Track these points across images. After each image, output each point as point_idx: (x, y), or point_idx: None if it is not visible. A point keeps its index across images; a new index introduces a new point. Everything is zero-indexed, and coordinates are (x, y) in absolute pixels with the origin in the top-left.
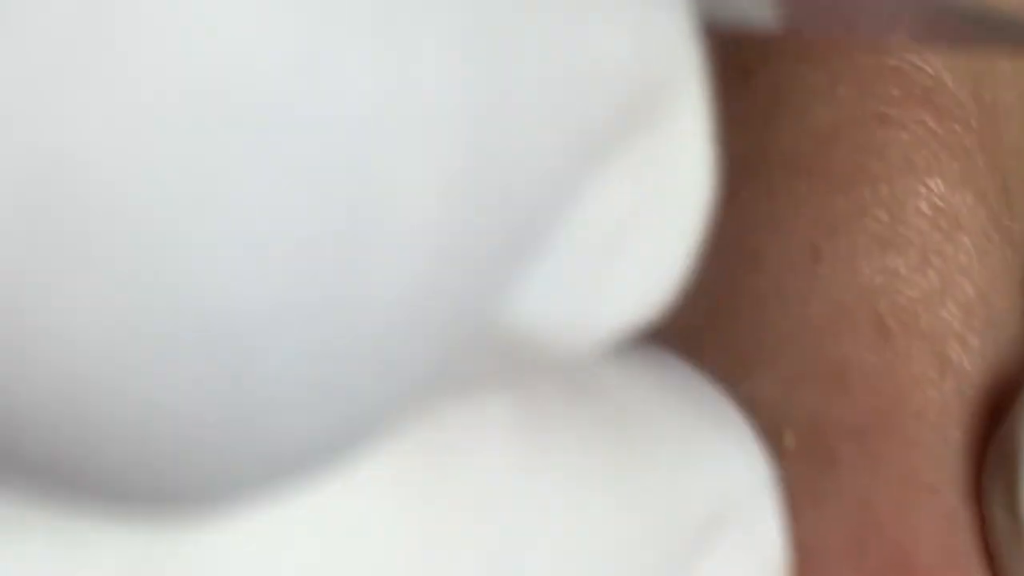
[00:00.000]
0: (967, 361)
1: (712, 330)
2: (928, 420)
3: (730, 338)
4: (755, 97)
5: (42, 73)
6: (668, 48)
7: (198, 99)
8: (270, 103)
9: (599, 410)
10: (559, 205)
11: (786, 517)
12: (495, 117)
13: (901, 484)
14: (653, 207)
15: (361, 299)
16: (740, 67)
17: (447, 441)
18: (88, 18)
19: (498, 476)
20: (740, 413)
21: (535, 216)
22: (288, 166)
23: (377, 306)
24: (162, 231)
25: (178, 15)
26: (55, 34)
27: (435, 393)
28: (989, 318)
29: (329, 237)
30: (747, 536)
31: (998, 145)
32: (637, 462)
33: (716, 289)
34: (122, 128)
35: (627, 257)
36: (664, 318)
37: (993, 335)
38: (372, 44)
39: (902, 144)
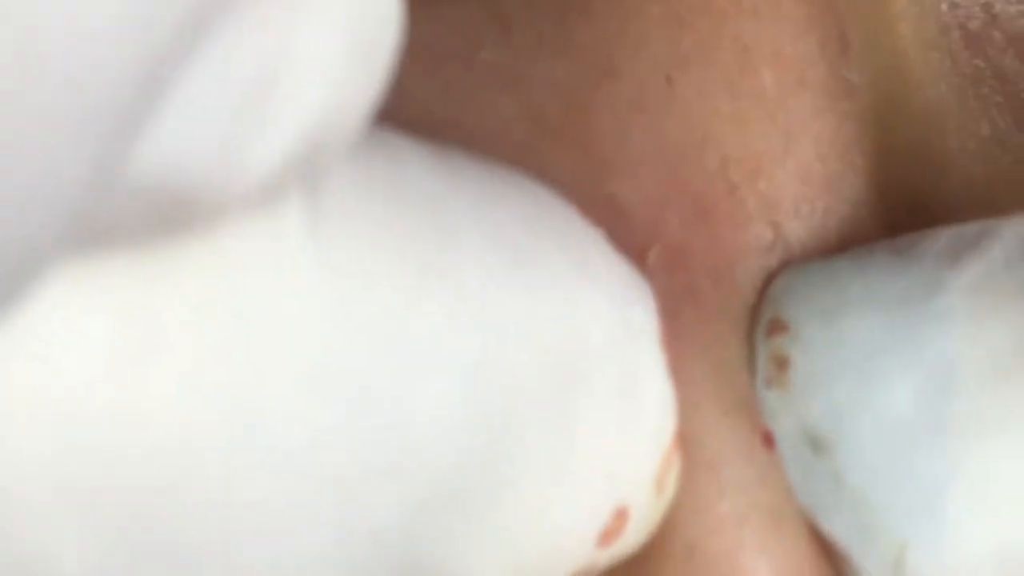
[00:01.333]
0: (797, 232)
1: (566, 124)
2: (754, 286)
3: (586, 137)
4: None
5: None
6: None
7: None
8: None
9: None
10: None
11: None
12: None
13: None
14: (331, 33)
15: None
16: None
17: (230, 262)
18: None
19: (295, 290)
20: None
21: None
22: None
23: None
24: None
25: None
26: None
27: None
28: (824, 179)
29: None
30: (617, 391)
31: None
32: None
33: (574, 84)
34: None
35: (294, 86)
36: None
37: (825, 198)
38: None
39: None
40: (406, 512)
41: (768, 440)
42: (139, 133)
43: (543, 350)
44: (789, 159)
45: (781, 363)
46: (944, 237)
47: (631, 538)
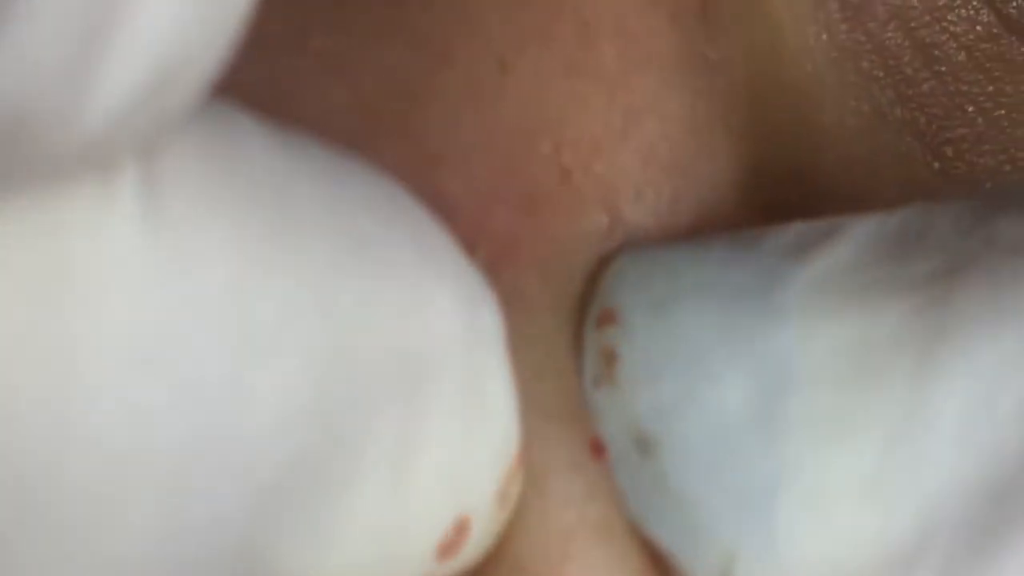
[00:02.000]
0: (639, 217)
1: (394, 113)
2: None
3: (415, 128)
4: None
5: None
6: None
7: None
8: None
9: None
10: None
11: None
12: None
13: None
14: None
15: None
16: None
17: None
18: None
19: (123, 262)
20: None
21: None
22: None
23: None
24: None
25: None
26: None
27: None
28: (672, 160)
29: None
30: (461, 400)
31: None
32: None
33: (403, 71)
34: None
35: (131, 14)
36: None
37: (673, 179)
38: None
39: None
40: (241, 504)
41: (597, 449)
42: None
43: (387, 342)
44: (630, 140)
45: (609, 358)
46: (792, 231)
47: (471, 551)
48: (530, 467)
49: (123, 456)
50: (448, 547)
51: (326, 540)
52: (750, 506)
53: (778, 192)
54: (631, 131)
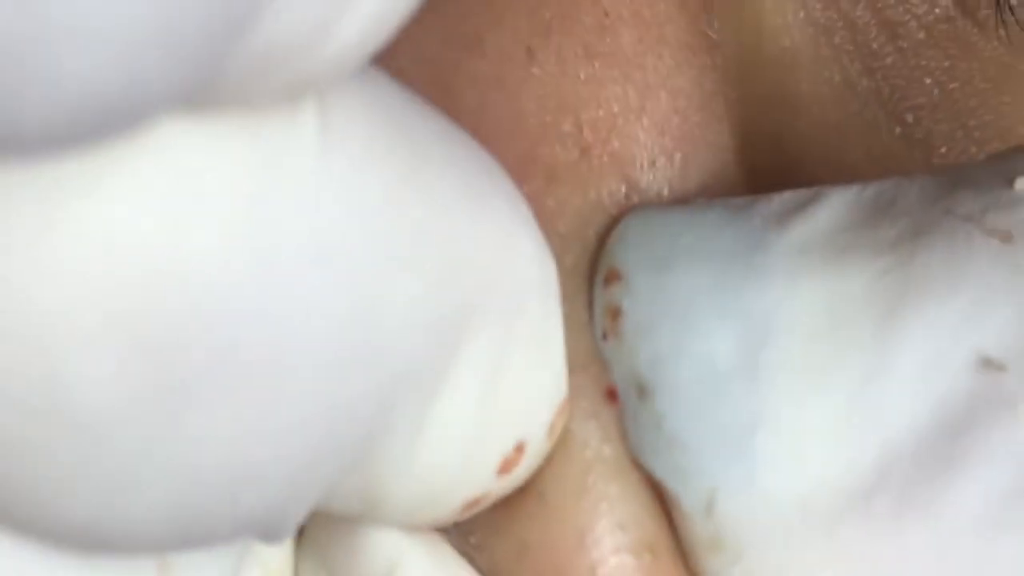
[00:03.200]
0: (654, 185)
1: (437, 105)
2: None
3: (453, 115)
4: None
5: None
6: None
7: None
8: None
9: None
10: None
11: None
12: None
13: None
14: None
15: None
16: None
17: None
18: None
19: (309, 170)
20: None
21: None
22: None
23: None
24: None
25: None
26: None
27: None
28: (683, 132)
29: None
30: (531, 338)
31: None
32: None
33: (438, 61)
34: None
35: None
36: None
37: (684, 148)
38: None
39: None
40: (375, 389)
41: (612, 395)
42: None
43: (489, 274)
44: (645, 115)
45: (615, 313)
46: (776, 200)
47: (519, 474)
48: None
49: (299, 336)
50: (507, 465)
51: (420, 439)
52: (732, 445)
53: (762, 157)
54: (646, 106)
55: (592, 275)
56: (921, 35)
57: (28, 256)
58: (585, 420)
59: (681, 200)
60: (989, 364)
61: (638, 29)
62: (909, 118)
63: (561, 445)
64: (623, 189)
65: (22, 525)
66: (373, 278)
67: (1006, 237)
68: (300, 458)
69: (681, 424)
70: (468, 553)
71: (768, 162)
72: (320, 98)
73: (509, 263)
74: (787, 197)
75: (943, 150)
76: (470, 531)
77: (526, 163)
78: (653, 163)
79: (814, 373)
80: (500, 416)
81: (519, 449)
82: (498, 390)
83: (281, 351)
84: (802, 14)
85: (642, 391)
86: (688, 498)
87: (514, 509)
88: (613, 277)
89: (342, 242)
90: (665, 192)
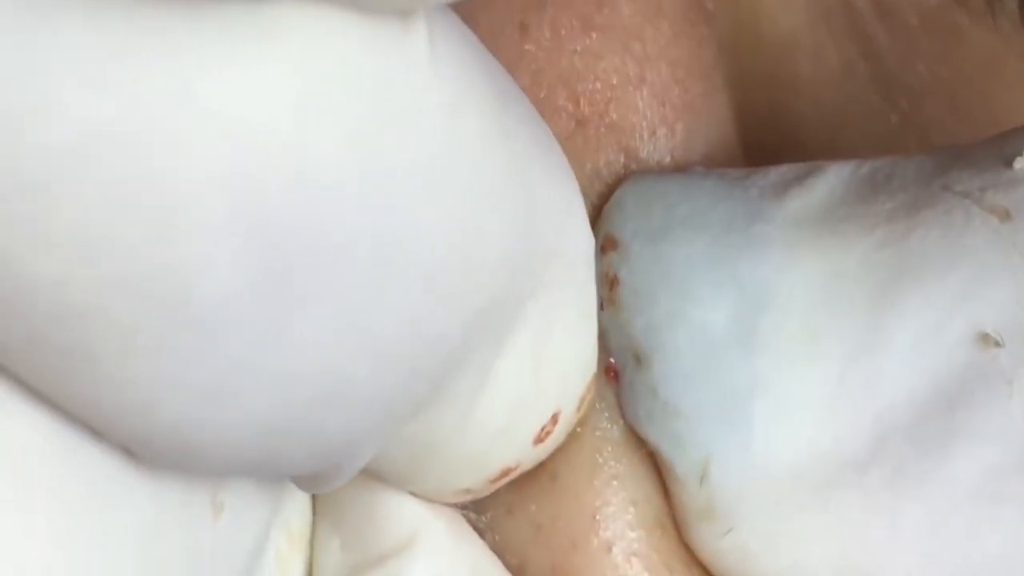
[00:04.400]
0: (654, 154)
1: None
2: None
3: None
4: None
5: None
6: None
7: None
8: None
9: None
10: None
11: None
12: None
13: None
14: None
15: None
16: None
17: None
18: None
19: (421, 86)
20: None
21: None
22: None
23: None
24: None
25: None
26: None
27: None
28: (683, 102)
29: None
30: (567, 316)
31: None
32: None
33: None
34: None
35: None
36: None
37: (685, 118)
38: None
39: None
40: (461, 322)
41: (612, 372)
42: None
43: (551, 239)
44: (644, 85)
45: (612, 282)
46: (774, 172)
47: (549, 446)
48: None
49: (400, 252)
50: (543, 434)
51: (481, 394)
52: (727, 414)
53: (759, 135)
54: (646, 76)
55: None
56: (915, 21)
57: (167, 126)
58: (595, 405)
59: (681, 170)
60: (986, 340)
61: (635, 1)
62: (903, 103)
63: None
64: (622, 159)
65: (108, 423)
66: (470, 210)
67: (1004, 215)
68: (389, 381)
69: (676, 391)
70: (480, 531)
71: (765, 140)
72: (428, 21)
73: (568, 229)
74: (785, 170)
75: (935, 136)
76: (483, 510)
77: None
78: (653, 133)
79: (809, 344)
80: (546, 381)
81: (555, 419)
82: (547, 355)
83: (385, 266)
84: None
85: (639, 359)
86: (682, 466)
87: (527, 490)
88: (610, 245)
89: (446, 170)
90: (667, 161)
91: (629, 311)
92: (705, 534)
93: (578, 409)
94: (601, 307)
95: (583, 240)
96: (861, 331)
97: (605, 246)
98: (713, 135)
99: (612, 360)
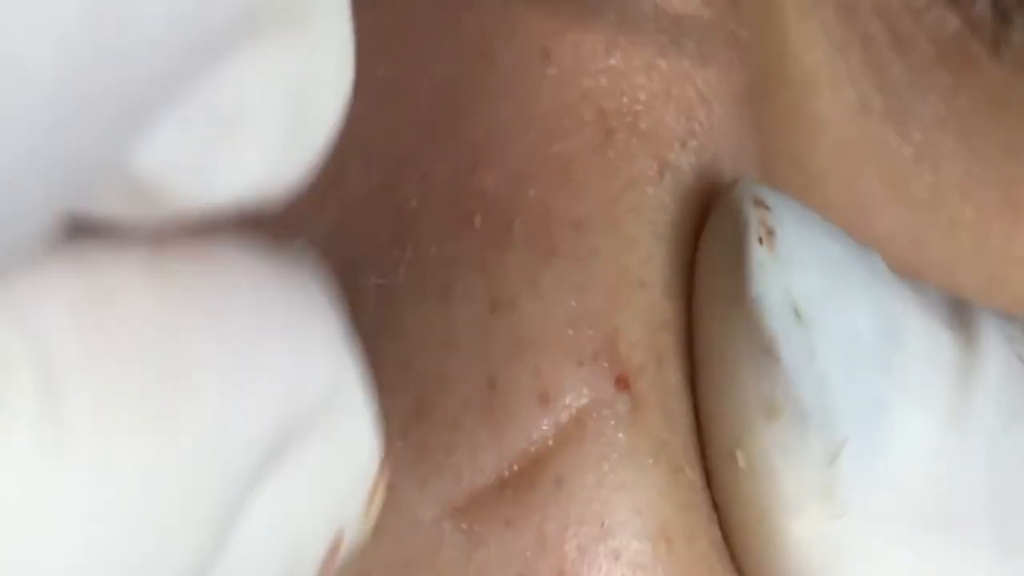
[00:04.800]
0: (685, 162)
1: (447, 126)
2: (644, 216)
3: (461, 134)
4: None
5: None
6: None
7: None
8: None
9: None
10: (180, 76)
11: (507, 307)
12: None
13: (615, 275)
14: (281, 102)
15: None
16: None
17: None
18: None
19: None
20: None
21: (156, 82)
22: None
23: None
24: None
25: None
26: None
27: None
28: (710, 122)
29: None
30: (329, 440)
31: None
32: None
33: (455, 86)
34: None
35: (250, 137)
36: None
37: (714, 139)
38: None
39: None
40: None
41: (623, 382)
42: (146, 130)
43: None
44: (671, 101)
45: (768, 231)
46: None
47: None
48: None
49: None
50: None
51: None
52: (871, 410)
53: (781, 176)
54: (672, 92)
55: (623, 255)
56: (931, 51)
57: None
58: (599, 409)
59: (715, 182)
60: None
61: (661, 21)
62: (917, 136)
63: (576, 434)
64: (656, 167)
65: None
66: None
67: None
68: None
69: (831, 367)
70: (468, 547)
71: (787, 182)
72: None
73: (294, 398)
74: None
75: (948, 169)
76: (473, 522)
77: (530, 163)
78: (684, 145)
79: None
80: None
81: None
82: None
83: None
84: (821, 32)
85: (798, 316)
86: (817, 440)
87: (528, 499)
88: (761, 203)
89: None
90: (701, 171)
91: (787, 264)
92: (809, 518)
93: (366, 517)
94: (760, 242)
95: (326, 381)
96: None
97: (756, 202)
98: (740, 161)
99: (625, 373)
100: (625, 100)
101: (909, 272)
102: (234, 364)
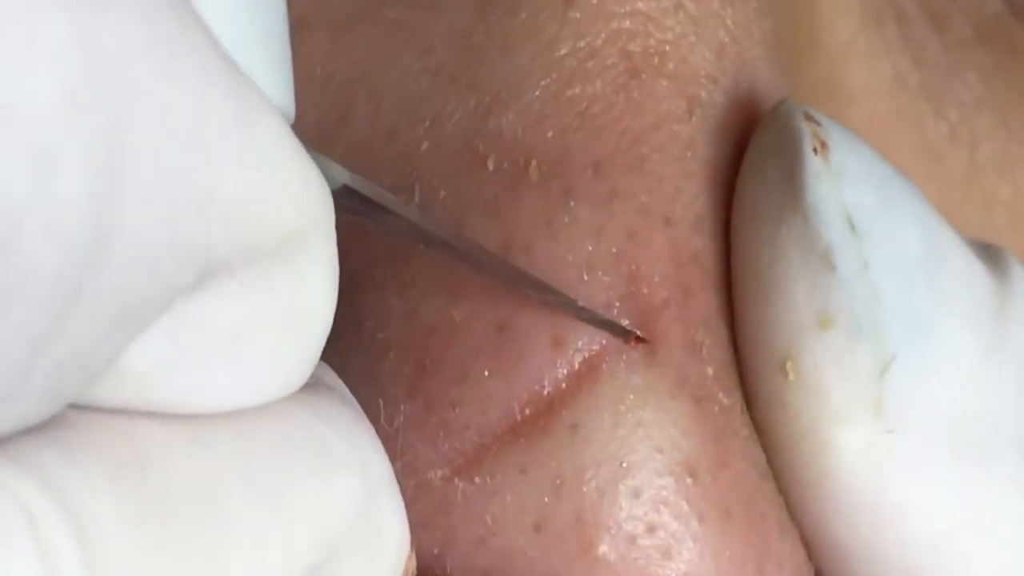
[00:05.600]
0: (718, 99)
1: (461, 70)
2: (671, 154)
3: (477, 78)
4: None
5: None
6: (301, 205)
7: None
8: None
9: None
10: (175, 289)
11: (521, 251)
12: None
13: (635, 215)
14: (269, 324)
15: None
16: None
17: None
18: None
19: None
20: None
21: (155, 291)
22: None
23: None
24: None
25: None
26: None
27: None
28: (741, 60)
29: None
30: (362, 549)
31: None
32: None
33: (470, 31)
34: None
35: (239, 355)
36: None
37: (746, 77)
38: None
39: None
40: None
41: (640, 323)
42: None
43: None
44: (700, 41)
45: (822, 143)
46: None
47: None
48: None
49: None
50: None
51: None
52: (916, 327)
53: None
54: (700, 32)
55: (652, 194)
56: (968, 30)
57: None
58: (613, 355)
59: (751, 118)
60: None
61: None
62: (953, 114)
63: (590, 377)
64: (684, 105)
65: None
66: None
67: None
68: None
69: (882, 279)
70: (482, 498)
71: None
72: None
73: (325, 524)
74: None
75: (984, 148)
76: (486, 474)
77: (549, 106)
78: (715, 82)
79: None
80: None
81: None
82: None
83: None
84: (856, 3)
85: (852, 226)
86: (866, 353)
87: (542, 447)
88: (811, 119)
89: None
90: (732, 107)
91: (840, 176)
92: (859, 430)
93: None
94: (815, 151)
95: (358, 498)
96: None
97: (808, 117)
98: (775, 95)
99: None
100: (652, 42)
101: None
102: (265, 506)
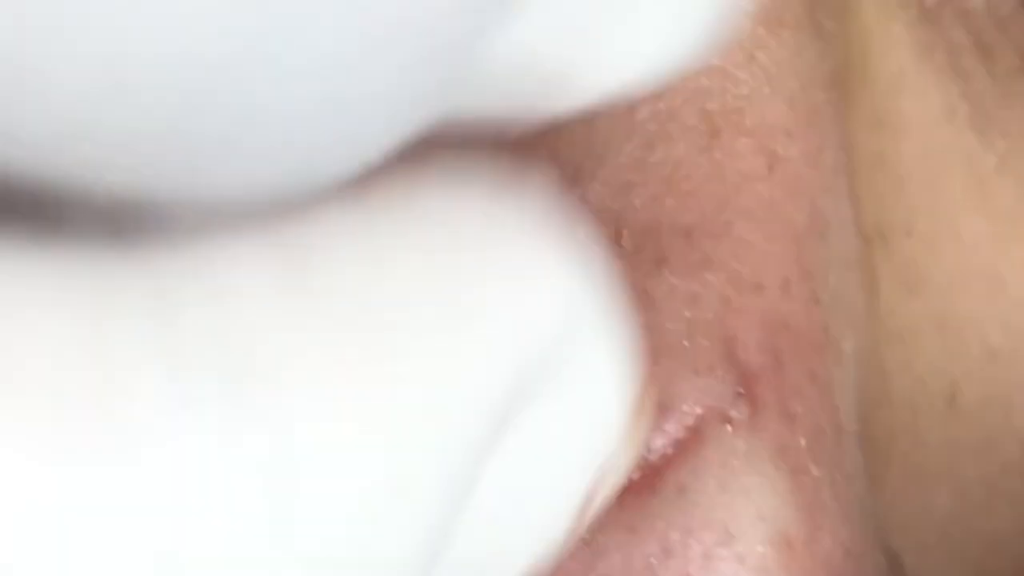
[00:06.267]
0: (794, 152)
1: (542, 141)
2: (755, 217)
3: (561, 148)
4: None
5: None
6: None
7: None
8: None
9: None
10: None
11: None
12: None
13: (728, 282)
14: None
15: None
16: None
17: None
18: None
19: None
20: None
21: None
22: None
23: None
24: None
25: None
26: None
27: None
28: (810, 109)
29: None
30: (572, 378)
31: None
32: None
33: None
34: None
35: (645, 12)
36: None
37: (815, 127)
38: None
39: None
40: None
41: (741, 389)
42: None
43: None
44: (774, 95)
45: None
46: None
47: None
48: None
49: None
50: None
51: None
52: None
53: (863, 178)
54: (775, 87)
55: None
56: (1016, 61)
57: None
58: (717, 416)
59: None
60: None
61: (757, 15)
62: (1001, 144)
63: (696, 441)
64: (764, 161)
65: None
66: None
67: None
68: None
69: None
70: (593, 557)
71: (872, 182)
72: None
73: (524, 346)
74: None
75: None
76: (599, 532)
77: (632, 174)
78: (790, 133)
79: None
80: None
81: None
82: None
83: None
84: (905, 35)
85: None
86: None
87: (651, 507)
88: None
89: None
90: (804, 160)
91: None
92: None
93: (630, 442)
94: None
95: (556, 324)
96: None
97: None
98: (825, 143)
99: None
100: (729, 98)
101: (994, 280)
102: (454, 313)
